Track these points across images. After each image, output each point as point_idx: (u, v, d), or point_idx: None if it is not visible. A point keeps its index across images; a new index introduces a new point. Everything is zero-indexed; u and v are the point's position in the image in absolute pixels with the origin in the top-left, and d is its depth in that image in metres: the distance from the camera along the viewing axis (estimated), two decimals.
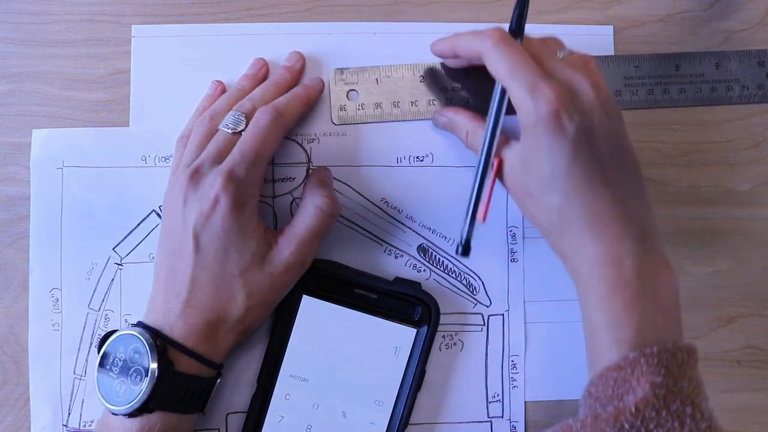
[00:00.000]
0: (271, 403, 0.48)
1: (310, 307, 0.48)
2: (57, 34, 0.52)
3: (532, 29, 0.52)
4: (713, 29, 0.54)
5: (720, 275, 0.52)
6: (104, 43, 0.52)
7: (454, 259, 0.51)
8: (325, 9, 0.52)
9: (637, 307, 0.40)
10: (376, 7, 0.52)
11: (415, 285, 0.49)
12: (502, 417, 0.50)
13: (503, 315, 0.51)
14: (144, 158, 0.51)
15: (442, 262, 0.51)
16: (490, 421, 0.50)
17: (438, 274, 0.51)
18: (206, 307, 0.43)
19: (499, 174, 0.45)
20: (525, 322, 0.51)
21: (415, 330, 0.48)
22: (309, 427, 0.48)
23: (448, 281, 0.51)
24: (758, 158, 0.53)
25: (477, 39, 0.45)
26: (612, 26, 0.53)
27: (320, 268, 0.48)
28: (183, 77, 0.51)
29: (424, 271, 0.51)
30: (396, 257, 0.51)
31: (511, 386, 0.51)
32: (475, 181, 0.45)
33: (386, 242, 0.51)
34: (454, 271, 0.51)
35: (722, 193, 0.53)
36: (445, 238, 0.51)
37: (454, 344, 0.50)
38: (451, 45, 0.47)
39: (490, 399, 0.50)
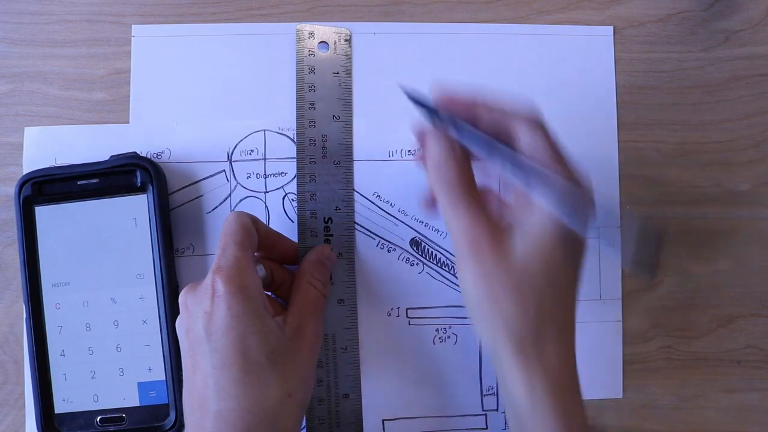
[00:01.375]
0: (45, 319, 0.48)
1: (44, 215, 0.48)
2: (57, 34, 0.52)
3: (532, 29, 0.52)
4: (713, 29, 0.53)
5: (720, 275, 0.52)
6: (104, 43, 0.52)
7: (447, 251, 0.51)
8: (325, 9, 0.52)
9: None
10: (376, 7, 0.53)
11: (130, 154, 0.49)
12: (497, 410, 0.50)
13: None
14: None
15: (435, 255, 0.51)
16: (485, 414, 0.50)
17: (431, 268, 0.51)
18: (241, 412, 0.39)
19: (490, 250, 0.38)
20: None
21: (144, 195, 0.48)
22: (88, 325, 0.48)
23: (441, 274, 0.51)
24: (758, 158, 0.53)
25: (515, 108, 0.40)
26: (612, 26, 0.53)
27: (37, 176, 0.48)
28: (183, 77, 0.51)
29: (417, 264, 0.51)
30: (389, 251, 0.51)
31: None
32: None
33: (378, 236, 0.51)
34: (448, 264, 0.51)
35: (722, 193, 0.53)
36: (438, 231, 0.51)
37: (448, 337, 0.50)
38: (473, 102, 0.41)
39: (484, 392, 0.50)
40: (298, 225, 0.49)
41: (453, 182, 0.40)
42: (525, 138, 0.39)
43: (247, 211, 0.44)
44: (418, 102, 0.42)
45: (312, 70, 0.51)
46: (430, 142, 0.41)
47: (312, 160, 0.50)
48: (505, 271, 0.38)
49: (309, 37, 0.51)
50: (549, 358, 0.38)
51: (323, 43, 0.51)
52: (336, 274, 0.50)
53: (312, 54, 0.51)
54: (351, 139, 0.51)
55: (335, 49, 0.51)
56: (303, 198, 0.50)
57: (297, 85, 0.50)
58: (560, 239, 0.38)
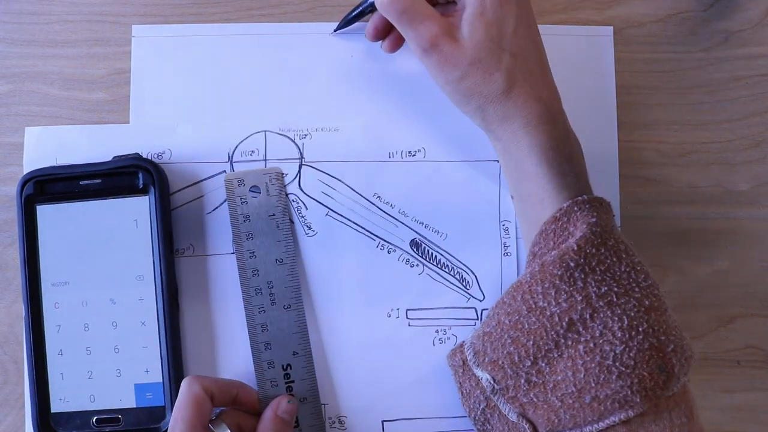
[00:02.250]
0: (44, 318, 0.48)
1: (46, 214, 0.48)
2: (57, 34, 0.52)
3: None
4: (713, 29, 0.53)
5: (720, 275, 0.52)
6: (104, 43, 0.52)
7: (447, 253, 0.51)
8: (325, 9, 0.52)
9: (573, 160, 0.44)
10: None
11: (132, 156, 0.49)
12: None
13: None
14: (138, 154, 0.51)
15: (435, 256, 0.51)
16: None
17: (431, 269, 0.51)
18: None
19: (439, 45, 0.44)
20: None
21: (146, 197, 0.48)
22: (86, 325, 0.48)
23: (441, 275, 0.51)
24: (758, 158, 0.53)
25: None
26: (612, 26, 0.53)
27: (40, 175, 0.48)
28: (183, 77, 0.51)
29: (417, 265, 0.51)
30: (389, 252, 0.51)
31: None
32: None
33: (379, 237, 0.51)
34: (447, 265, 0.51)
35: (722, 193, 0.53)
36: (438, 232, 0.51)
37: (448, 338, 0.50)
38: None
39: None
40: (256, 376, 0.49)
41: (404, 6, 0.44)
42: None
43: (201, 376, 0.46)
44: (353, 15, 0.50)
45: (247, 218, 0.50)
46: None
47: (261, 309, 0.49)
48: (463, 53, 0.44)
49: (239, 185, 0.50)
50: (521, 103, 0.44)
51: (254, 188, 0.50)
52: (303, 419, 0.49)
53: (245, 201, 0.50)
54: (298, 281, 0.49)
55: (267, 191, 0.50)
56: (257, 349, 0.49)
57: (233, 234, 0.50)
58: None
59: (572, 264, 0.40)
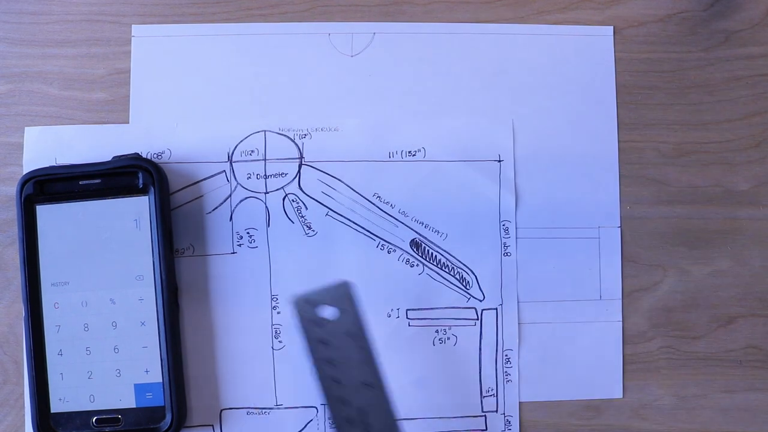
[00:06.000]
0: (44, 318, 0.48)
1: (45, 214, 0.48)
2: (57, 34, 0.52)
3: (532, 29, 0.52)
4: (713, 29, 0.53)
5: (720, 275, 0.52)
6: (104, 43, 0.52)
7: (447, 253, 0.51)
8: (325, 9, 0.52)
9: None
10: (376, 7, 0.52)
11: (132, 155, 0.49)
12: (497, 411, 0.50)
13: (497, 309, 0.51)
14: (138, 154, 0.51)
15: (435, 256, 0.51)
16: (485, 415, 0.50)
17: (431, 269, 0.51)
18: None
19: None
20: (518, 317, 0.51)
21: (146, 197, 0.48)
22: (86, 325, 0.48)
23: (441, 276, 0.51)
24: (758, 158, 0.53)
25: None
26: (612, 26, 0.53)
27: (39, 175, 0.48)
28: (183, 77, 0.51)
29: (417, 265, 0.51)
30: (389, 252, 0.51)
31: (505, 381, 0.51)
32: None
33: (379, 237, 0.51)
34: (447, 265, 0.51)
35: (722, 193, 0.53)
36: (438, 232, 0.51)
37: (448, 339, 0.50)
38: None
39: (484, 393, 0.50)
40: None
41: None
42: None
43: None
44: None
45: (325, 342, 0.44)
46: None
47: None
48: None
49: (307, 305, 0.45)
50: None
51: (328, 307, 0.45)
52: None
53: (320, 325, 0.44)
54: (390, 405, 0.44)
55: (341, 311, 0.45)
56: None
57: (315, 367, 0.44)
58: None
59: None
